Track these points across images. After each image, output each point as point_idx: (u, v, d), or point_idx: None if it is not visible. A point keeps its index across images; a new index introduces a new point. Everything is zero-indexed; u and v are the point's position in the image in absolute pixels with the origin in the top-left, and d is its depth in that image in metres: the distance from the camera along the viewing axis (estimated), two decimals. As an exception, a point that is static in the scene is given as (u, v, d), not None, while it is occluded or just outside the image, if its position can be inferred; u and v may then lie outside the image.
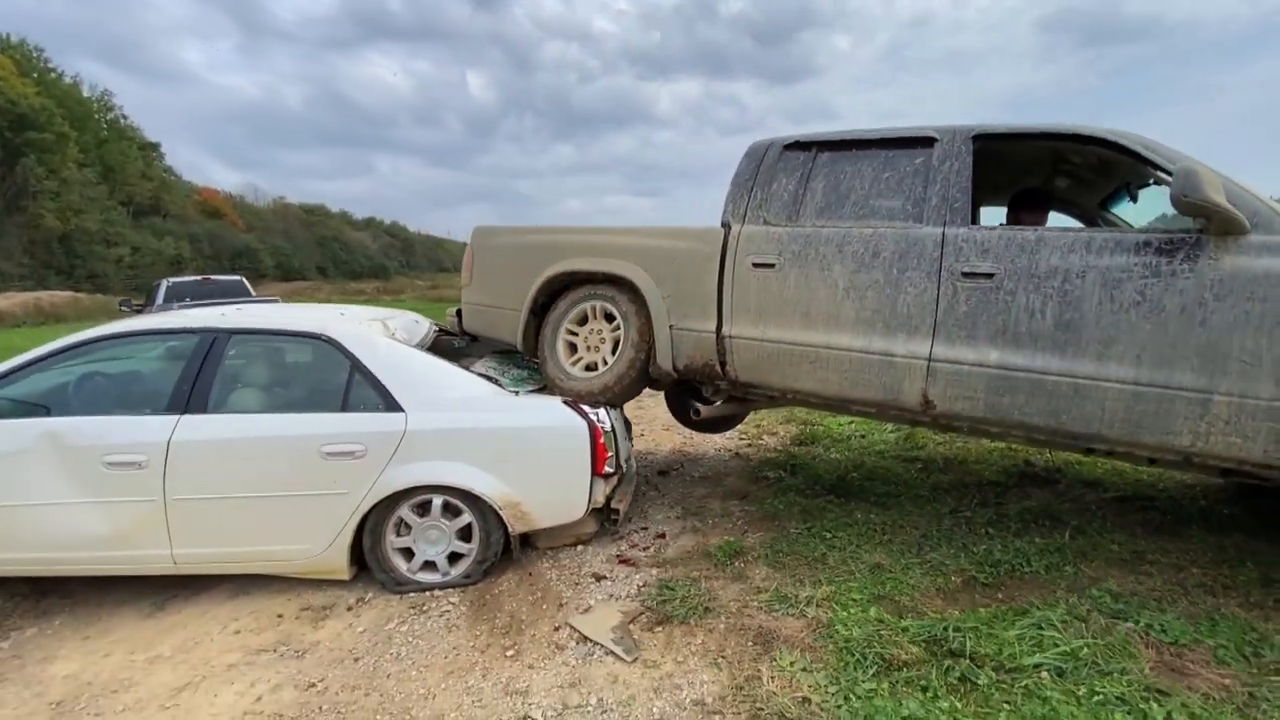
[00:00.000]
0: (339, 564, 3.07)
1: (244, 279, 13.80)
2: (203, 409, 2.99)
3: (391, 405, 3.04)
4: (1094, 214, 3.62)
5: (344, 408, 3.05)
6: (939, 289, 2.64)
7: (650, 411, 6.29)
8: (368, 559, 3.09)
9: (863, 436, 5.03)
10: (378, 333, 3.32)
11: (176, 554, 2.97)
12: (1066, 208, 3.74)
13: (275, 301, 13.12)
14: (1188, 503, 3.38)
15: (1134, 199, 3.15)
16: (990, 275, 2.55)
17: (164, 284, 12.56)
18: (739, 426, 5.40)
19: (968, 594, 2.68)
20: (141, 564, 2.99)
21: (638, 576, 3.08)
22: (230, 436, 2.95)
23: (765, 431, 5.50)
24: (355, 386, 3.09)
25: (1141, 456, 2.55)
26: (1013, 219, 3.13)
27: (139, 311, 12.54)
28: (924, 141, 2.85)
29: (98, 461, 2.86)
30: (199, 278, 13.42)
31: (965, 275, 2.60)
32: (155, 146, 45.93)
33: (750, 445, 5.19)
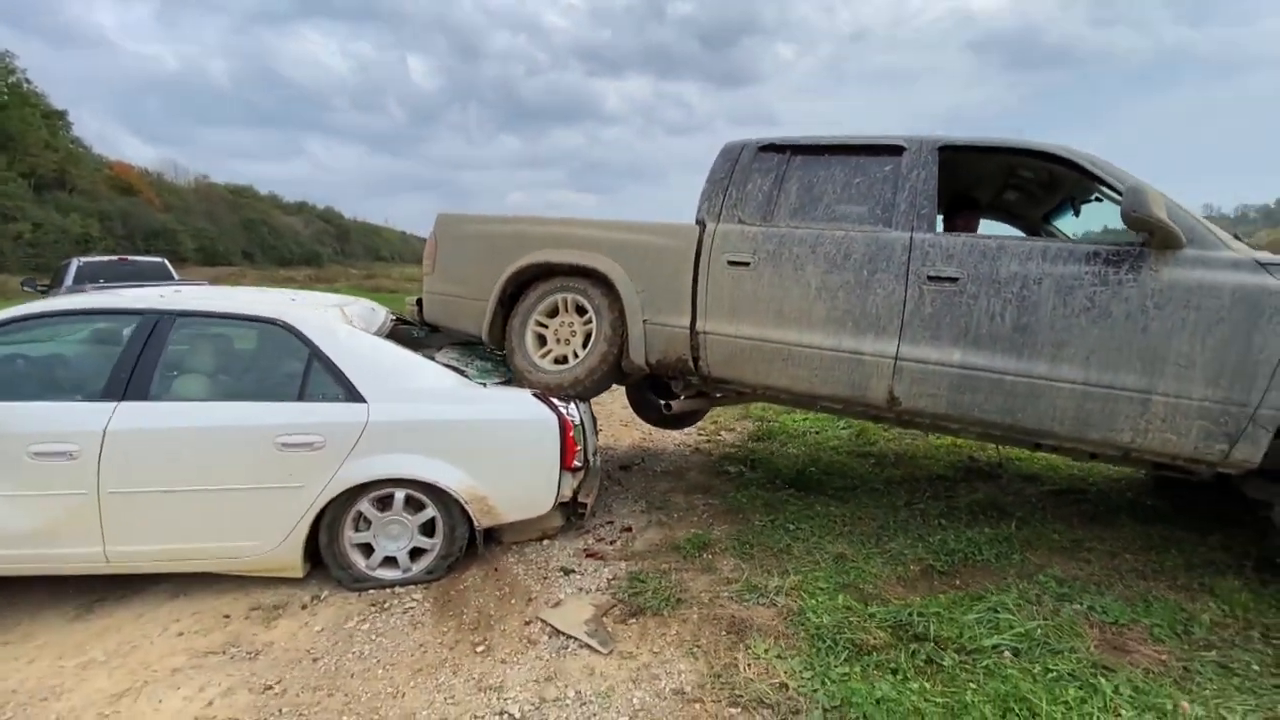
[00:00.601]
0: (292, 561, 2.93)
1: (166, 261, 12.87)
2: (143, 396, 2.79)
3: (353, 395, 2.92)
4: (1037, 226, 3.86)
5: (301, 397, 2.91)
6: (906, 291, 2.75)
7: (608, 407, 6.28)
8: (323, 555, 2.96)
9: (817, 433, 5.19)
10: (336, 319, 3.18)
11: (110, 551, 2.76)
12: (1012, 219, 3.98)
13: (203, 285, 12.32)
14: (1116, 495, 3.66)
15: (1076, 213, 3.38)
16: (955, 279, 2.69)
17: (74, 263, 11.54)
18: (698, 423, 5.47)
19: (926, 581, 2.81)
20: (69, 563, 2.76)
21: (606, 570, 3.07)
22: (175, 425, 2.76)
23: (723, 428, 5.59)
24: (314, 375, 2.95)
25: (1084, 451, 2.74)
26: (948, 226, 3.30)
27: (45, 292, 11.51)
28: (893, 149, 2.97)
29: (22, 452, 2.62)
30: (114, 258, 12.41)
31: (931, 279, 2.72)
32: (61, 115, 42.20)
33: (709, 441, 5.27)
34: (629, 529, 3.52)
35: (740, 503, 3.75)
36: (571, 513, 3.46)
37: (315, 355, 2.96)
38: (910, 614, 2.45)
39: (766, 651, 2.32)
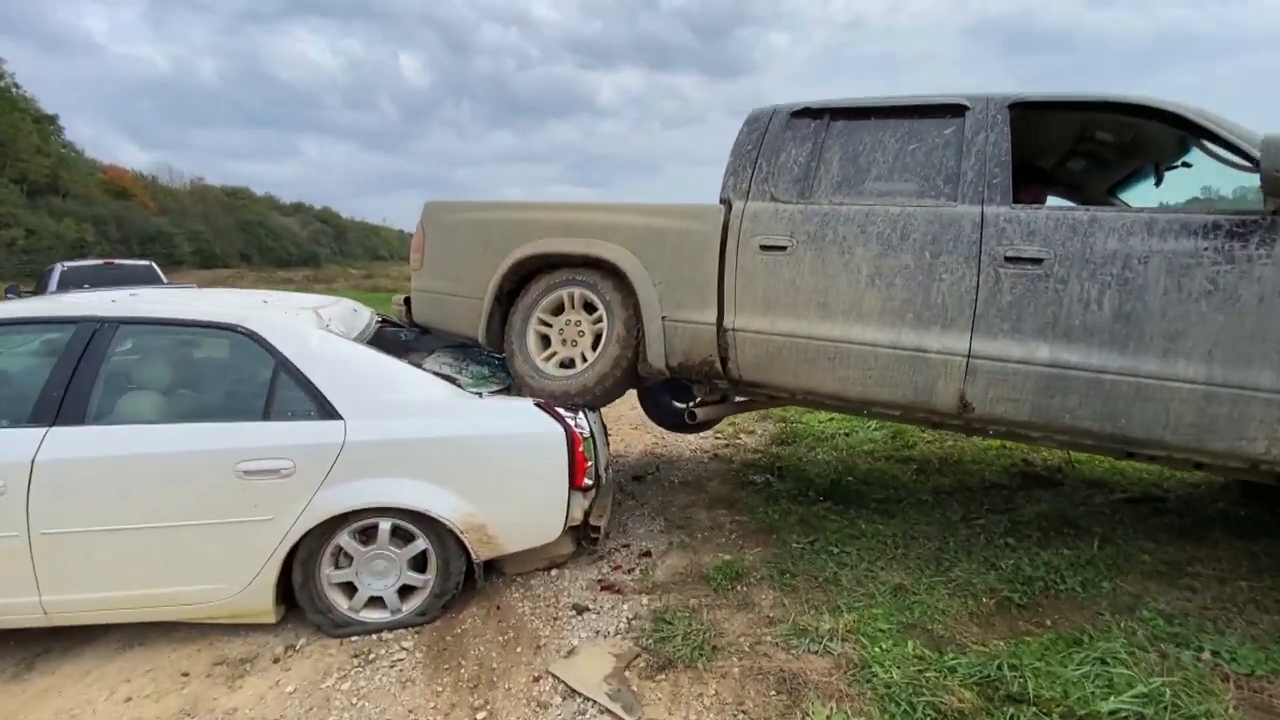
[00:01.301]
0: (262, 605, 2.52)
1: (154, 264, 12.41)
2: (79, 419, 2.37)
3: (327, 411, 2.50)
4: (1100, 198, 3.42)
5: (267, 415, 2.49)
6: (979, 275, 2.32)
7: (617, 409, 5.85)
8: (298, 597, 2.55)
9: (846, 435, 4.76)
10: (309, 324, 2.75)
11: (47, 601, 2.35)
12: (1070, 192, 3.53)
13: (191, 289, 11.90)
14: (1201, 504, 3.23)
15: (1159, 181, 2.94)
16: (1038, 260, 2.25)
17: (57, 269, 11.11)
18: (715, 425, 5.05)
19: (1005, 618, 2.39)
20: (1, 615, 2.36)
21: (626, 606, 2.65)
22: (117, 453, 2.35)
23: (742, 430, 5.16)
24: (281, 389, 2.53)
25: (1193, 463, 2.31)
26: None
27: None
28: (954, 110, 2.53)
29: (-69, 489, 2.21)
30: (100, 262, 11.96)
31: (1009, 260, 2.29)
32: (52, 119, 41.75)
33: (728, 445, 4.84)
34: (648, 553, 3.10)
35: (772, 520, 3.33)
36: (583, 537, 3.04)
37: (283, 366, 2.54)
38: (998, 666, 2.03)
39: (829, 719, 1.90)
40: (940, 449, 4.28)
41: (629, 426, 5.39)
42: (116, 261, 12.10)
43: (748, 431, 5.15)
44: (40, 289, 10.97)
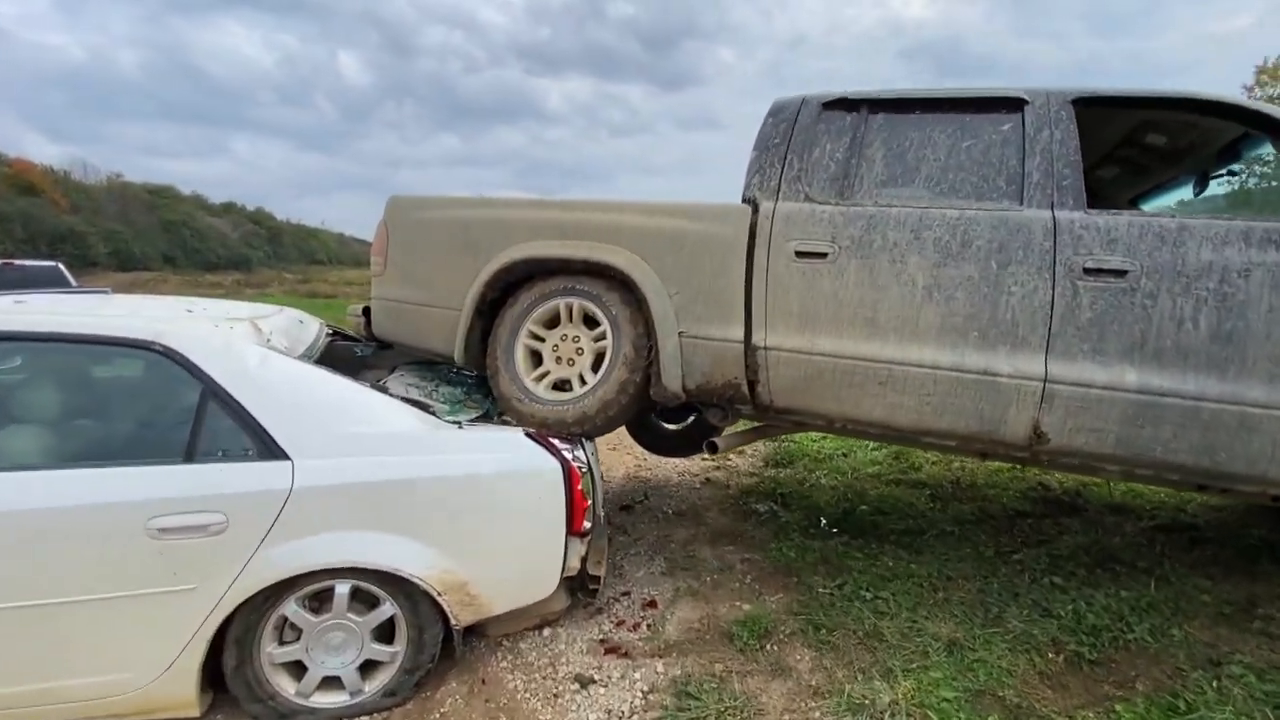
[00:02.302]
0: (184, 696, 1.99)
1: (61, 265, 11.20)
2: (-71, 465, 1.79)
3: (269, 450, 2.00)
4: (1121, 209, 3.23)
5: (190, 456, 1.96)
6: (1054, 289, 2.03)
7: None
8: (230, 683, 2.04)
9: (845, 455, 4.47)
10: (245, 339, 2.22)
11: (-120, 708, 1.75)
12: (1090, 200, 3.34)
13: (105, 294, 10.77)
14: (1236, 531, 3.06)
15: (1200, 189, 2.75)
16: (1122, 273, 1.97)
17: (-55, 270, 9.88)
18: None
19: (1078, 678, 2.09)
20: None
21: (638, 675, 2.24)
22: (-17, 509, 1.78)
23: (731, 450, 4.80)
24: (209, 422, 2.00)
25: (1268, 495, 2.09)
26: None
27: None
28: (1010, 104, 2.25)
29: None
30: (-2, 262, 10.72)
31: (1088, 272, 2.01)
32: (-54, 105, 38.02)
33: (719, 468, 4.48)
34: (653, 603, 2.69)
35: (787, 558, 2.97)
36: (579, 589, 2.61)
37: (212, 393, 2.02)
38: (1100, 748, 1.72)
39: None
40: (948, 471, 4.03)
41: (606, 447, 4.95)
42: (16, 262, 10.88)
43: (737, 451, 4.81)
44: (-76, 292, 9.70)
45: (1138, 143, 2.69)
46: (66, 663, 1.87)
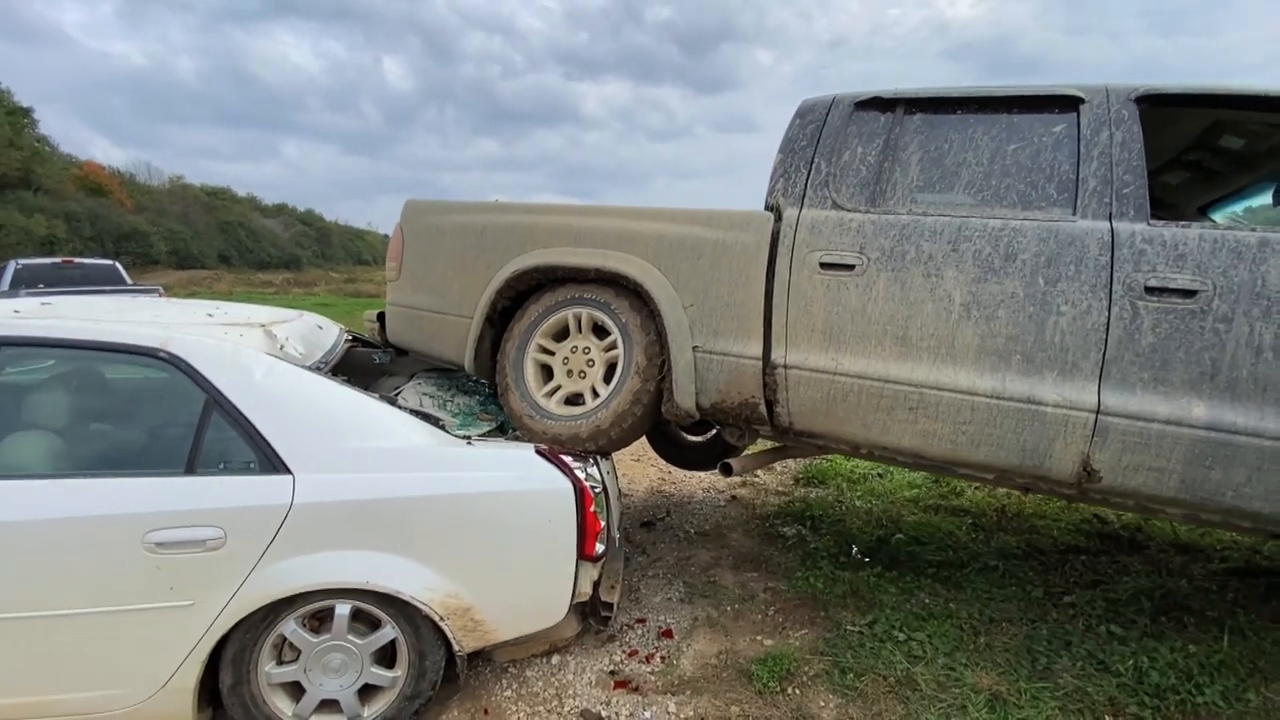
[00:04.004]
0: (178, 713, 1.96)
1: (118, 264, 11.71)
2: (-67, 472, 1.79)
3: (271, 464, 1.95)
4: (1190, 216, 2.96)
5: (191, 468, 1.93)
6: (1110, 310, 1.82)
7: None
8: (226, 703, 1.99)
9: (881, 476, 4.24)
10: (256, 345, 2.18)
11: (-118, 715, 1.76)
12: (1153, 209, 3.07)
13: (156, 291, 11.19)
14: (1319, 578, 2.76)
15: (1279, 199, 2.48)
16: (1191, 293, 1.76)
17: (11, 265, 10.41)
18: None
19: (1135, 746, 1.87)
20: None
21: (647, 713, 2.11)
22: (-15, 518, 1.77)
23: (747, 471, 4.63)
24: (212, 434, 1.97)
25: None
26: None
27: (-22, 299, 10.38)
28: (1064, 102, 2.04)
29: None
30: (58, 260, 11.24)
31: (1151, 291, 1.79)
32: (27, 112, 40.41)
33: (745, 485, 4.31)
34: (668, 632, 2.56)
35: (815, 588, 2.79)
36: (591, 615, 2.49)
37: (215, 403, 1.98)
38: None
39: None
40: (994, 499, 3.77)
41: (630, 458, 4.84)
42: (76, 260, 11.38)
43: (766, 467, 4.62)
44: (-8, 287, 10.25)
45: (1209, 145, 2.44)
46: (62, 676, 1.85)
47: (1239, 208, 2.86)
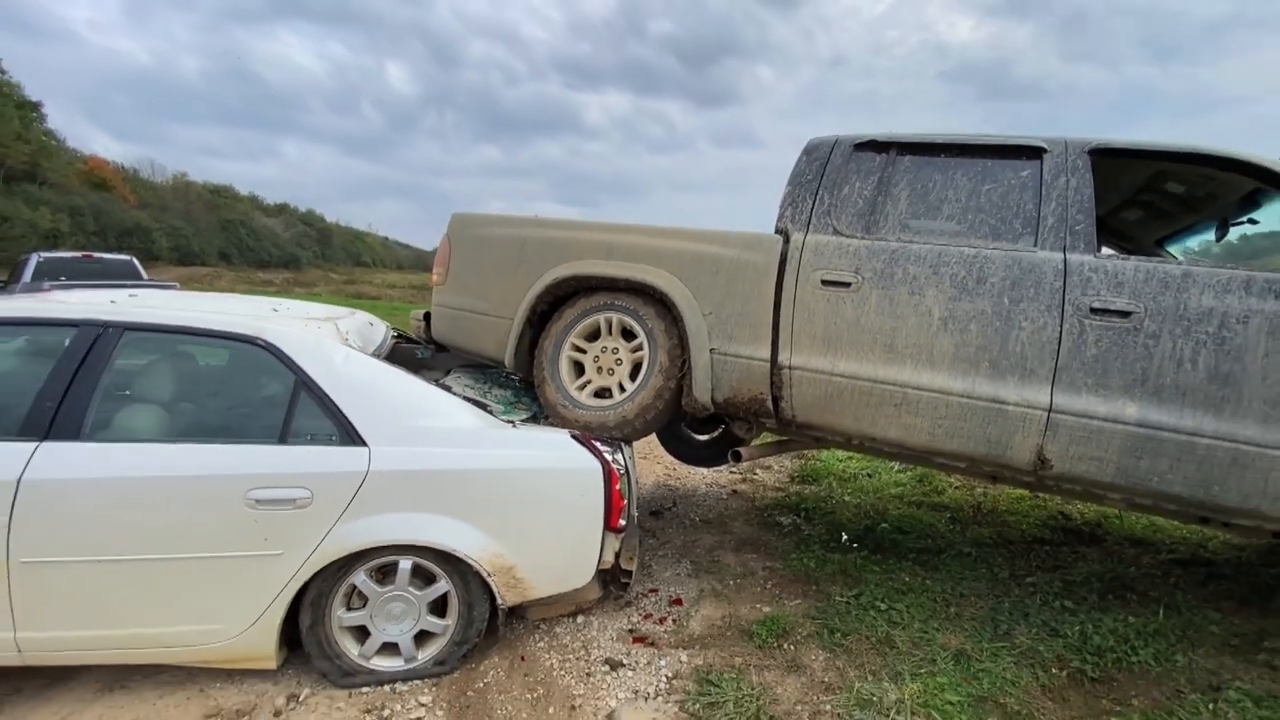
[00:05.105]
0: (264, 649, 2.27)
1: (135, 260, 12.01)
2: (74, 434, 2.13)
3: (350, 437, 2.29)
4: (1148, 249, 3.36)
5: (284, 439, 2.26)
6: (1062, 325, 2.20)
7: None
8: (305, 641, 2.31)
9: (870, 475, 4.61)
10: (331, 338, 2.53)
11: (23, 639, 2.08)
12: (1116, 239, 3.47)
13: (173, 288, 11.49)
14: (1253, 569, 3.12)
15: (1221, 236, 2.87)
16: (1127, 314, 2.13)
17: (34, 258, 10.67)
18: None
19: (1079, 693, 2.22)
20: (-35, 653, 2.08)
21: (663, 662, 2.45)
22: (115, 474, 2.11)
23: (759, 464, 4.99)
24: (301, 410, 2.30)
25: (1272, 532, 2.20)
26: None
27: (1, 288, 10.64)
28: (1030, 151, 2.43)
29: (-105, 509, 1.94)
30: (79, 254, 11.53)
31: (1095, 311, 2.17)
32: (35, 106, 40.72)
33: (745, 481, 4.66)
34: (679, 601, 2.90)
35: (807, 567, 3.15)
36: (611, 581, 2.83)
37: (304, 384, 2.32)
38: (1088, 752, 1.86)
39: (912, 810, 1.71)
40: (971, 496, 4.14)
41: (638, 456, 5.18)
42: (96, 255, 11.70)
43: (764, 466, 4.99)
44: (14, 278, 10.53)
45: (1158, 189, 2.83)
46: (173, 611, 2.16)
47: (1192, 243, 3.25)
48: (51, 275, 10.29)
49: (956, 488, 4.27)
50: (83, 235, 36.75)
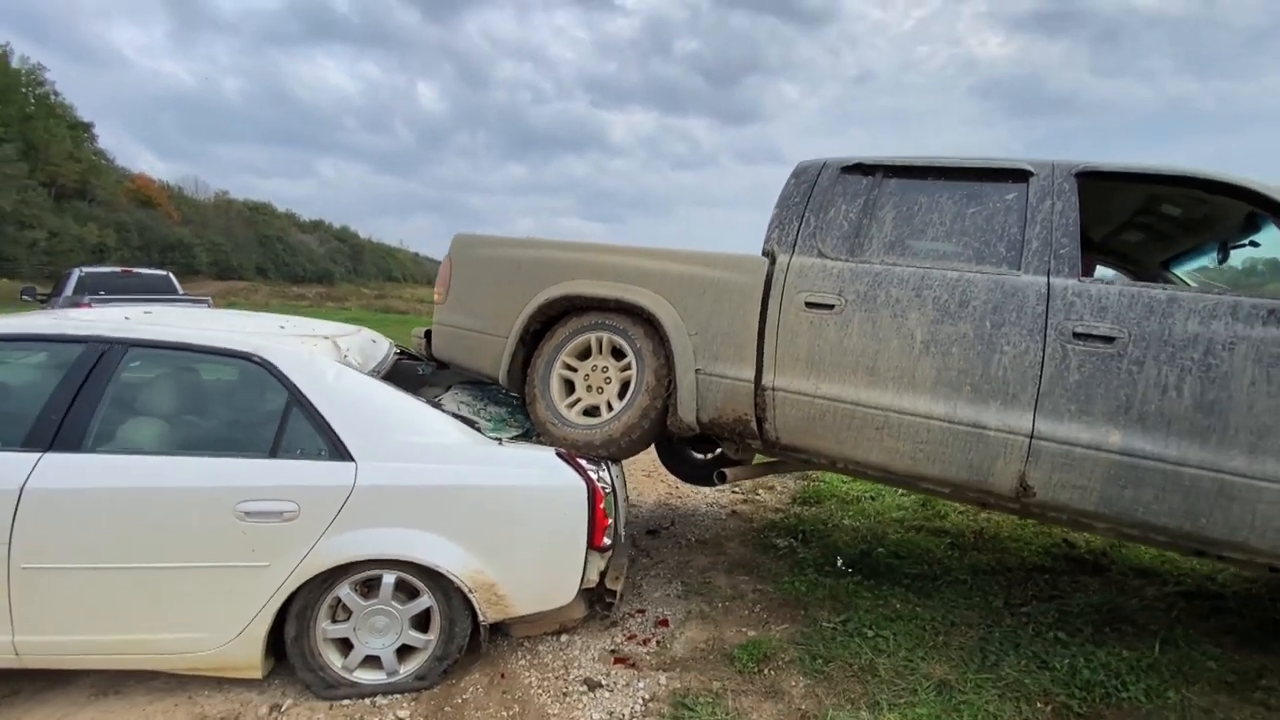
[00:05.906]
0: (250, 658, 2.32)
1: (171, 275, 12.47)
2: (76, 446, 2.23)
3: (338, 452, 2.35)
4: (1154, 272, 3.29)
5: (274, 453, 2.33)
6: (1045, 350, 2.16)
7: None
8: (289, 652, 2.35)
9: (873, 499, 4.54)
10: (326, 355, 2.61)
11: (20, 642, 2.17)
12: (1122, 263, 3.40)
13: (205, 303, 11.89)
14: (1260, 605, 2.99)
15: (1223, 259, 2.80)
16: (1110, 339, 2.10)
17: (75, 273, 11.16)
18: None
19: (1063, 729, 2.16)
20: (-36, 656, 2.17)
21: (642, 684, 2.44)
22: (114, 485, 2.20)
23: (761, 485, 4.96)
24: (292, 425, 2.38)
25: (1268, 566, 2.12)
26: None
27: (43, 303, 11.13)
28: (1016, 175, 2.42)
29: (-97, 515, 2.05)
30: (118, 269, 12.02)
31: (1078, 336, 2.14)
32: (87, 127, 42.90)
33: (747, 502, 4.63)
34: (665, 622, 2.89)
35: (798, 591, 3.11)
36: (597, 601, 2.84)
37: (295, 400, 2.40)
38: (1066, 792, 1.80)
39: (876, 845, 1.68)
40: (974, 522, 4.05)
41: (641, 474, 5.19)
42: (135, 270, 12.16)
43: (767, 487, 4.95)
44: (57, 292, 11.02)
45: (1155, 211, 2.78)
46: (165, 619, 2.23)
47: (1197, 265, 3.18)
48: (92, 290, 10.73)
49: (960, 513, 4.18)
50: (128, 250, 38.32)
